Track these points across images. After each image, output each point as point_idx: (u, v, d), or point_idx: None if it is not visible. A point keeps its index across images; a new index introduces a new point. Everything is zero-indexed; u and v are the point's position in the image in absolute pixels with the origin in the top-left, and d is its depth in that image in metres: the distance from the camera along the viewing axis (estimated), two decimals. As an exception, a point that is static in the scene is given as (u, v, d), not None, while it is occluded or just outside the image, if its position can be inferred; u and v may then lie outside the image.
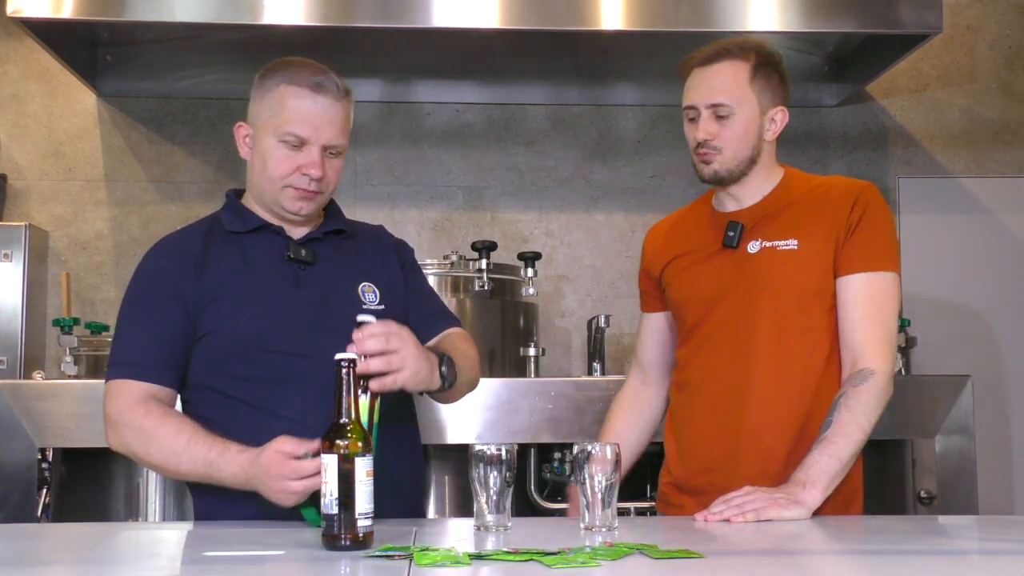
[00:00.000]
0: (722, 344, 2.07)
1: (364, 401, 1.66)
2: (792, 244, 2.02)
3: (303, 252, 1.96)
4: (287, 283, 1.94)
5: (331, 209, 2.06)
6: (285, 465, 1.67)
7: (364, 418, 1.64)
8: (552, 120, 4.32)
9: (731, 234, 2.07)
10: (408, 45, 3.76)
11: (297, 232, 1.99)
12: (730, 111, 2.02)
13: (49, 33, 3.55)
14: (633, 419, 2.27)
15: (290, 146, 1.90)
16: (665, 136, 4.32)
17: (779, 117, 2.07)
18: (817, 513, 1.87)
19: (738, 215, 2.10)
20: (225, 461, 1.77)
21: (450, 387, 1.88)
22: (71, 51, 3.80)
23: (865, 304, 2.00)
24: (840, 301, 2.01)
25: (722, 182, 2.08)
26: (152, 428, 1.83)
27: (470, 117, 4.30)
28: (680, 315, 2.17)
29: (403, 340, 1.74)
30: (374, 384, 1.68)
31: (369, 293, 1.99)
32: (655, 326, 2.28)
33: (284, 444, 1.68)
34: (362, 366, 1.66)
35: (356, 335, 1.69)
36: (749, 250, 2.05)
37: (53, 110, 4.17)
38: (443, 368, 1.85)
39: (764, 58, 2.04)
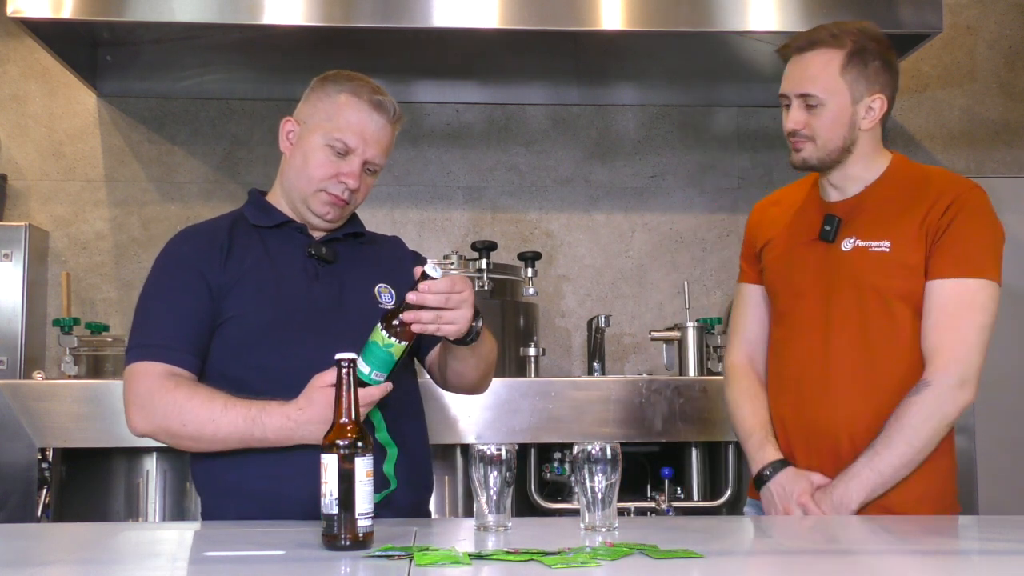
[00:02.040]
0: (807, 340, 2.05)
1: (399, 345, 1.73)
2: (884, 246, 1.99)
3: (324, 250, 2.00)
4: (307, 277, 1.97)
5: (351, 215, 2.10)
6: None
7: (389, 360, 1.72)
8: (552, 120, 4.32)
9: (827, 228, 2.04)
10: (408, 45, 3.76)
11: (318, 232, 2.04)
12: (819, 101, 2.00)
13: (49, 33, 3.55)
14: (764, 411, 2.14)
15: (335, 152, 1.96)
16: (665, 136, 4.32)
17: (877, 105, 2.02)
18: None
19: (837, 207, 2.07)
20: (268, 415, 1.79)
21: (472, 341, 1.89)
22: (71, 51, 3.80)
23: (940, 312, 1.96)
24: (923, 306, 1.98)
25: (812, 169, 2.07)
26: (184, 399, 1.84)
27: (470, 117, 4.30)
28: (773, 300, 2.17)
29: (462, 299, 1.78)
30: (417, 328, 1.74)
31: (385, 294, 2.03)
32: (759, 299, 2.22)
33: (326, 377, 1.72)
34: (412, 315, 1.73)
35: (422, 286, 1.74)
36: (843, 247, 2.03)
37: (53, 110, 4.17)
38: (474, 322, 1.87)
39: (861, 45, 2.00)
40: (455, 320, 1.77)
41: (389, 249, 2.15)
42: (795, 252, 2.10)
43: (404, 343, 1.74)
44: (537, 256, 3.59)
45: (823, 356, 2.02)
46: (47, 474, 3.06)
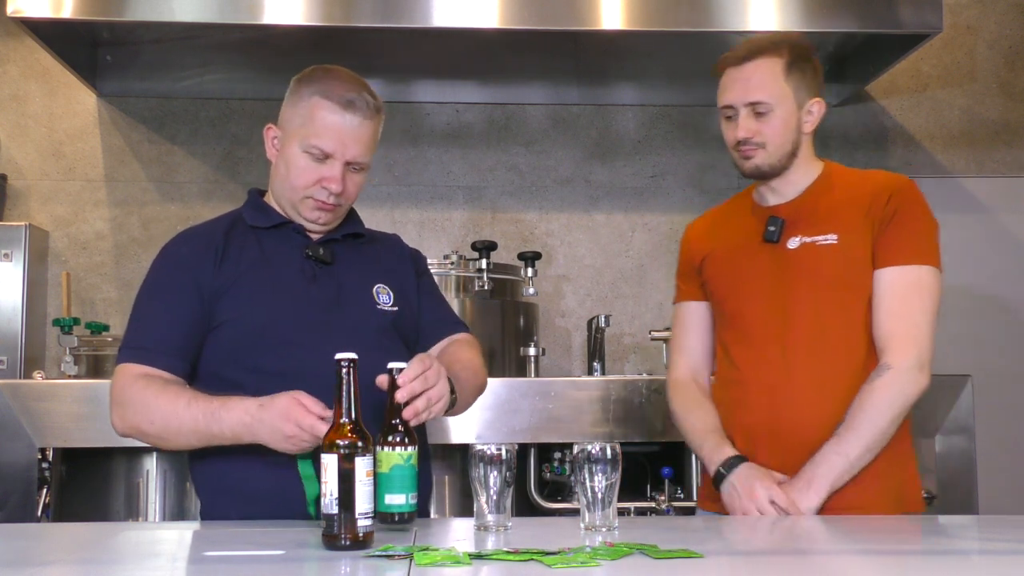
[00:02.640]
0: (762, 340, 2.06)
1: (415, 450, 1.62)
2: (831, 238, 2.03)
3: (321, 251, 1.98)
4: (304, 278, 1.96)
5: (351, 214, 2.08)
6: (301, 411, 1.67)
7: (415, 471, 1.62)
8: (552, 120, 4.32)
9: (772, 229, 2.07)
10: (408, 45, 3.76)
11: (316, 233, 2.02)
12: (768, 108, 2.03)
13: (49, 33, 3.55)
14: (715, 417, 2.14)
15: (314, 158, 1.92)
16: (665, 136, 4.32)
17: (816, 109, 2.08)
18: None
19: (778, 209, 2.10)
20: (228, 409, 1.77)
21: (455, 403, 1.86)
22: (71, 51, 3.80)
23: (891, 298, 2.01)
24: (872, 295, 2.02)
25: (763, 176, 2.09)
26: (153, 396, 1.84)
27: (470, 117, 4.30)
28: (720, 308, 2.17)
29: (437, 373, 1.73)
30: (416, 421, 1.66)
31: (383, 295, 2.01)
32: (700, 316, 2.23)
33: (304, 397, 1.69)
34: (410, 411, 1.66)
35: (401, 380, 1.67)
36: (789, 246, 2.06)
37: (53, 110, 4.17)
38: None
39: (797, 53, 2.06)
40: (442, 393, 1.73)
41: (388, 248, 2.13)
42: (740, 258, 2.12)
43: (417, 445, 1.65)
44: (537, 256, 3.59)
45: (781, 354, 2.04)
46: (47, 474, 3.06)
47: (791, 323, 2.03)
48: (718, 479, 2.03)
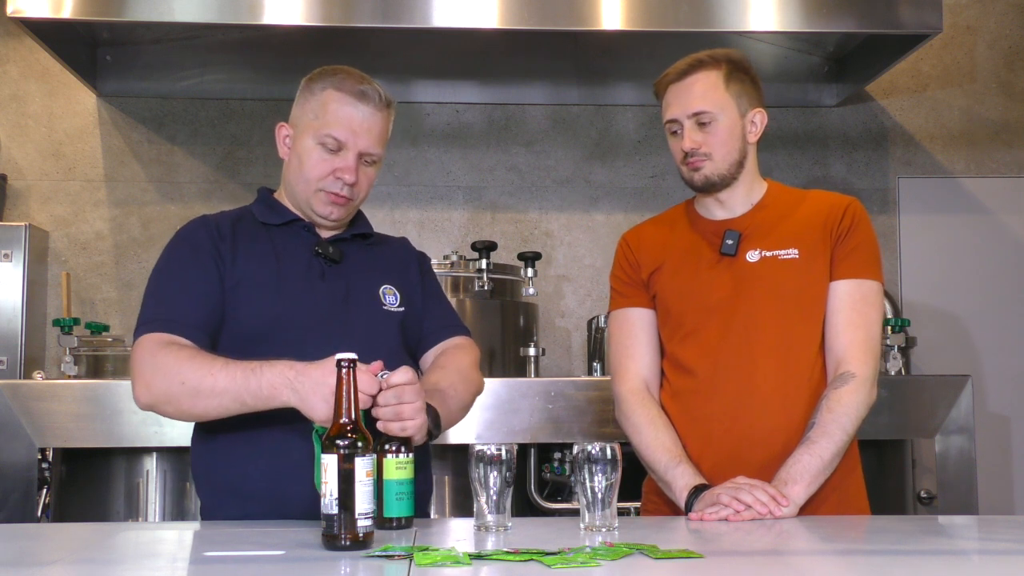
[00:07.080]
0: (726, 353, 2.05)
1: (408, 458, 1.66)
2: (793, 253, 2.05)
3: (331, 249, 1.99)
4: (313, 275, 1.96)
5: (359, 215, 2.10)
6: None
7: (409, 471, 1.65)
8: (552, 120, 4.32)
9: (729, 242, 2.07)
10: (408, 45, 3.77)
11: (326, 232, 2.03)
12: (712, 117, 2.05)
13: (49, 33, 3.55)
14: (676, 435, 2.08)
15: (327, 149, 1.94)
16: (665, 136, 4.32)
17: (758, 119, 2.11)
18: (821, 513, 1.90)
19: (731, 224, 2.11)
20: (270, 365, 1.73)
21: (435, 436, 1.85)
22: (71, 51, 3.80)
23: (849, 310, 2.04)
24: (827, 307, 2.05)
25: (713, 187, 2.09)
26: (186, 359, 1.79)
27: (470, 117, 4.30)
28: (678, 320, 2.12)
29: (415, 410, 1.71)
30: (394, 427, 1.68)
31: (390, 295, 2.02)
32: (648, 323, 2.16)
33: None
34: (381, 425, 1.67)
35: (388, 383, 1.69)
36: (748, 259, 2.07)
37: (53, 110, 4.17)
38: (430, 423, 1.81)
39: (735, 64, 2.09)
40: (419, 426, 1.72)
41: (396, 249, 2.14)
42: (698, 272, 2.10)
43: (413, 451, 1.66)
44: (537, 256, 3.59)
45: (748, 366, 2.03)
46: (47, 474, 3.06)
47: (755, 336, 2.04)
48: (689, 504, 1.95)
